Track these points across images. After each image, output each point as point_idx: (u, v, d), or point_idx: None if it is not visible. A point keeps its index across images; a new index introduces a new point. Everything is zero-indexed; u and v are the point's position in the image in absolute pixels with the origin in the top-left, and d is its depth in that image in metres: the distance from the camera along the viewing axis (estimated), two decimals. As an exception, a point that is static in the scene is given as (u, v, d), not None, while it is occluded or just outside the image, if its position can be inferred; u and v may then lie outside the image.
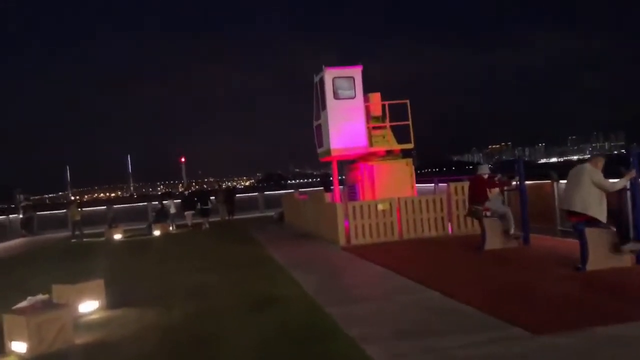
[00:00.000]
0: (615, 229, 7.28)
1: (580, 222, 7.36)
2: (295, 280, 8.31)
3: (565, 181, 7.86)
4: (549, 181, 11.04)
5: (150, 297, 7.91)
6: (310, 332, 5.48)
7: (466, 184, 12.53)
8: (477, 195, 9.83)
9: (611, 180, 7.30)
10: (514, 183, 10.10)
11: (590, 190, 7.21)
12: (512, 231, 9.60)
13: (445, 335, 4.99)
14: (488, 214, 9.72)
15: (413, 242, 11.70)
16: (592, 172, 7.26)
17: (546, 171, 12.24)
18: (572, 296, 6.09)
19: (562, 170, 9.64)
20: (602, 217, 7.22)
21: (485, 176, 9.97)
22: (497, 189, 10.32)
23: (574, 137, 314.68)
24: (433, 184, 16.55)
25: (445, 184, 15.61)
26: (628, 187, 7.32)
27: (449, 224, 12.43)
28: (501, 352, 4.45)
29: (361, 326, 5.46)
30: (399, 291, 7.03)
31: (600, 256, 7.31)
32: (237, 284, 8.45)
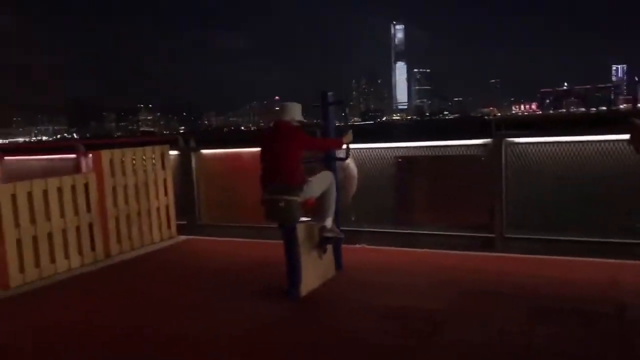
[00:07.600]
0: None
1: None
2: None
3: None
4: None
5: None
6: None
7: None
8: (286, 173, 3.97)
9: None
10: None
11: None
12: (328, 223, 4.26)
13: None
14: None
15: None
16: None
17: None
18: None
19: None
20: None
21: (296, 124, 4.14)
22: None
23: (18, 118, 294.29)
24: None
25: (48, 156, 7.90)
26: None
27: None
28: None
29: None
30: None
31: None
32: None
